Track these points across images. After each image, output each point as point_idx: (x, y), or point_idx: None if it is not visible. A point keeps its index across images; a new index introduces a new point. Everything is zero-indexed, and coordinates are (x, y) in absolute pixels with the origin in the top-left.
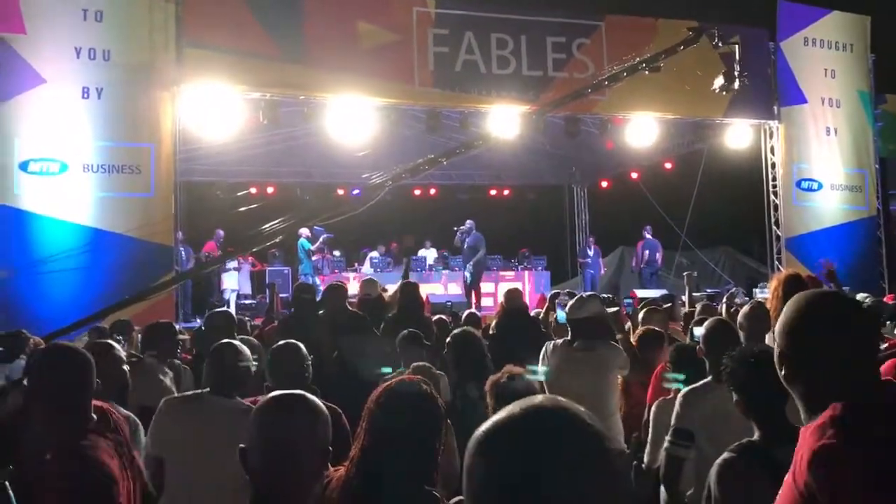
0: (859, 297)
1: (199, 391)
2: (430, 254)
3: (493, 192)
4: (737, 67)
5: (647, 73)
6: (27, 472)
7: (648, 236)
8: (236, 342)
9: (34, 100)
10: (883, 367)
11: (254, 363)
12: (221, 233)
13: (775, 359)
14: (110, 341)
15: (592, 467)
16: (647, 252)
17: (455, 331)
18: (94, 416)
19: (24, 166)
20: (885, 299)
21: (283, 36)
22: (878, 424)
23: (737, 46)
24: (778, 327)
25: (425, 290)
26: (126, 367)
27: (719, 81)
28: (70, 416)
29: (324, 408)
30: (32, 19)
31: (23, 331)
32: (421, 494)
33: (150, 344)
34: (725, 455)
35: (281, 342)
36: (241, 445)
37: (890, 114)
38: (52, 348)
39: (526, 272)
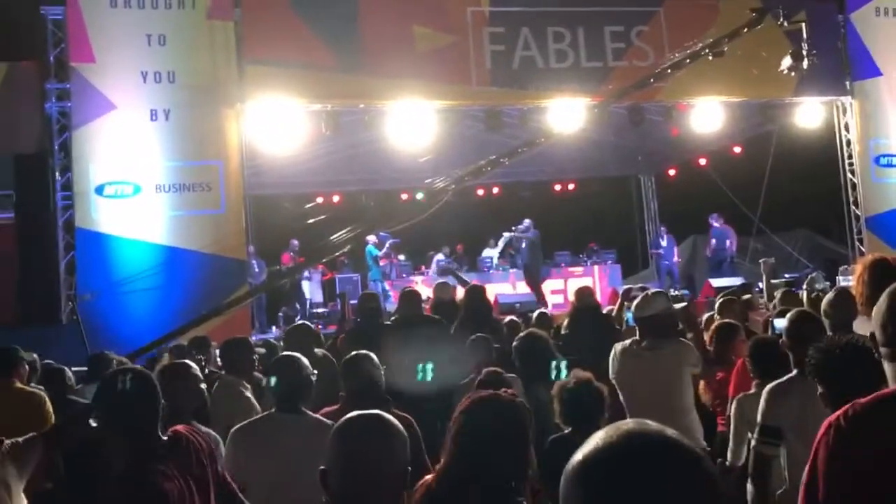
0: None
1: (268, 412)
2: (495, 253)
3: (557, 188)
4: (805, 46)
5: (710, 58)
6: (97, 498)
7: (715, 224)
8: (296, 354)
9: (106, 125)
10: None
11: (314, 373)
12: (296, 243)
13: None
14: (187, 361)
15: (696, 493)
16: (714, 241)
17: (521, 333)
18: (165, 438)
19: (99, 190)
20: None
21: (340, 46)
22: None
23: (803, 24)
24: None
25: (493, 290)
26: (203, 386)
27: (787, 62)
28: (135, 442)
29: (401, 427)
30: (101, 48)
31: (106, 352)
32: None
33: (228, 360)
34: None
35: (353, 353)
36: (322, 467)
37: None
38: (115, 373)
39: (595, 267)
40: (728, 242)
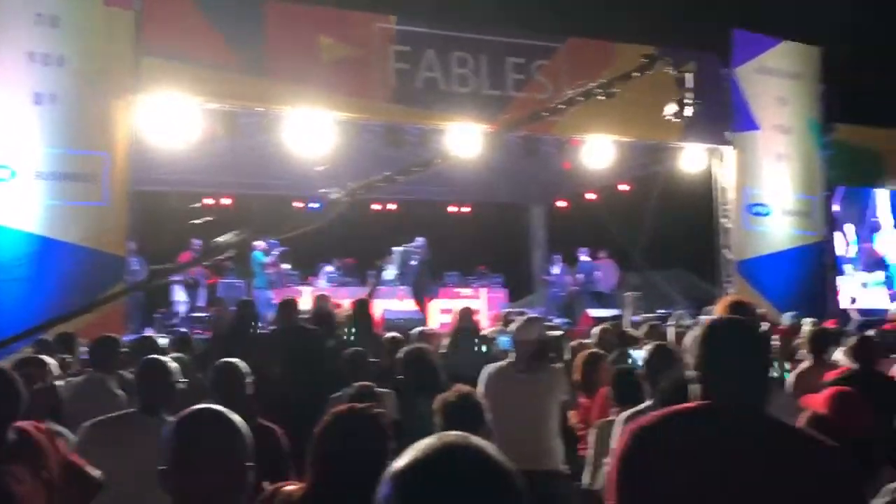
0: (806, 321)
1: (127, 411)
2: (390, 270)
3: (452, 209)
4: (689, 95)
5: (602, 98)
6: None
7: (584, 258)
8: (165, 359)
9: None
10: (819, 397)
11: (183, 381)
12: (198, 242)
13: None
14: (43, 356)
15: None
16: (582, 275)
17: (407, 347)
18: (14, 438)
19: None
20: (826, 324)
21: (243, 47)
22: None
23: (689, 74)
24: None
25: (384, 305)
26: (59, 384)
27: (671, 108)
28: None
29: (241, 422)
30: None
31: None
32: None
33: (96, 357)
34: None
35: (221, 361)
36: (160, 467)
37: (838, 142)
38: None
39: (483, 289)
40: (597, 274)
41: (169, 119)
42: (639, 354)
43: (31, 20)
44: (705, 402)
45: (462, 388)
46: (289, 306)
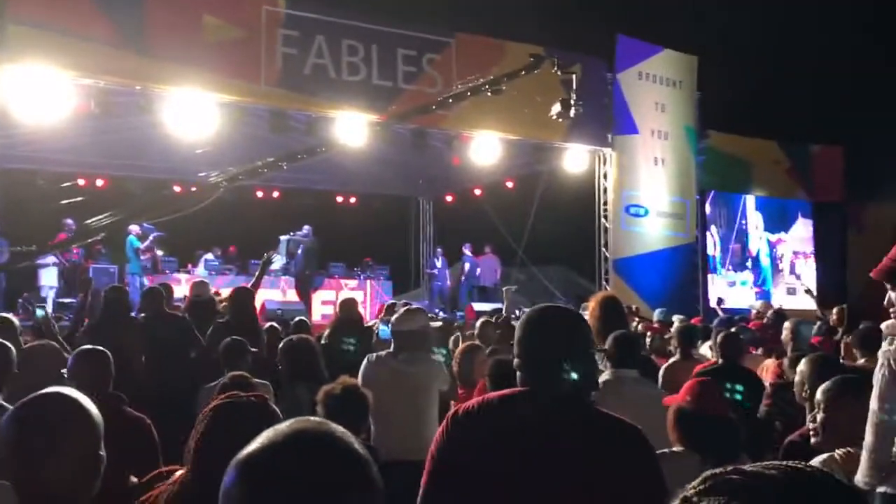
0: (675, 318)
1: None
2: (277, 259)
3: (339, 199)
4: (573, 96)
5: (489, 94)
6: None
7: (467, 252)
8: (5, 343)
9: None
10: (683, 389)
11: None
12: (70, 222)
13: None
14: None
15: (355, 489)
16: (466, 266)
17: (289, 337)
18: None
19: None
20: (692, 321)
21: (121, 21)
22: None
23: (574, 76)
24: None
25: (265, 295)
26: None
27: (556, 109)
28: None
29: (92, 408)
30: None
31: None
32: None
33: None
34: None
35: (85, 347)
36: None
37: (711, 149)
38: None
39: (368, 281)
40: (478, 271)
41: (37, 93)
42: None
43: None
44: (523, 388)
45: (347, 380)
46: (155, 294)
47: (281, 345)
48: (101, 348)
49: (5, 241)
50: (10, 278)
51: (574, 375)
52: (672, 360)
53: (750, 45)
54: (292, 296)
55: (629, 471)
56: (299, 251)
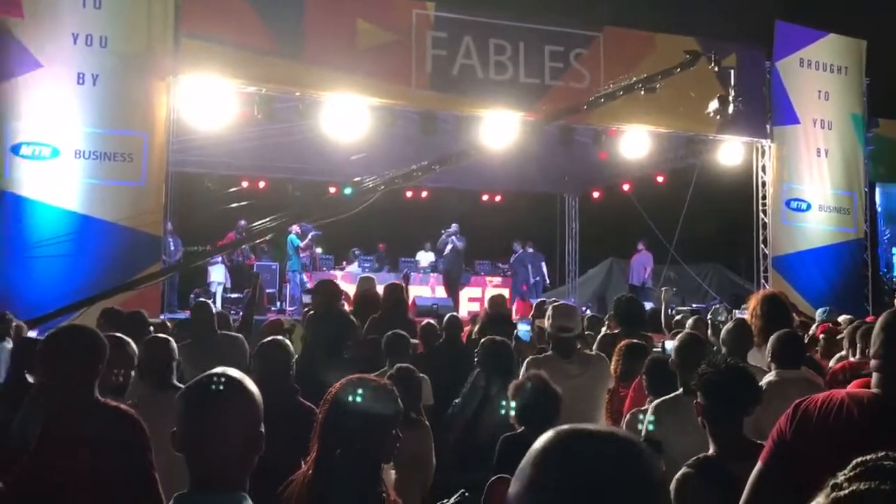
0: (841, 318)
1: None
2: (425, 256)
3: (485, 198)
4: (732, 93)
5: (642, 93)
6: None
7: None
8: (168, 337)
9: (30, 84)
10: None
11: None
12: (243, 223)
13: None
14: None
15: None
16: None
17: (485, 339)
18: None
19: (15, 149)
20: (867, 320)
21: (281, 31)
22: None
23: (732, 71)
24: None
25: (414, 291)
26: None
27: (714, 105)
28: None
29: (255, 391)
30: (31, 4)
31: (7, 312)
32: (371, 495)
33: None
34: (683, 469)
35: (267, 339)
36: (174, 429)
37: (882, 137)
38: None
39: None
40: (648, 269)
41: (207, 101)
42: (670, 344)
43: (78, 2)
44: (875, 391)
45: (541, 374)
46: (330, 288)
47: (483, 341)
48: (281, 339)
49: (180, 241)
50: (181, 274)
51: None
52: (847, 360)
53: None
54: (441, 292)
55: None
56: (447, 249)
